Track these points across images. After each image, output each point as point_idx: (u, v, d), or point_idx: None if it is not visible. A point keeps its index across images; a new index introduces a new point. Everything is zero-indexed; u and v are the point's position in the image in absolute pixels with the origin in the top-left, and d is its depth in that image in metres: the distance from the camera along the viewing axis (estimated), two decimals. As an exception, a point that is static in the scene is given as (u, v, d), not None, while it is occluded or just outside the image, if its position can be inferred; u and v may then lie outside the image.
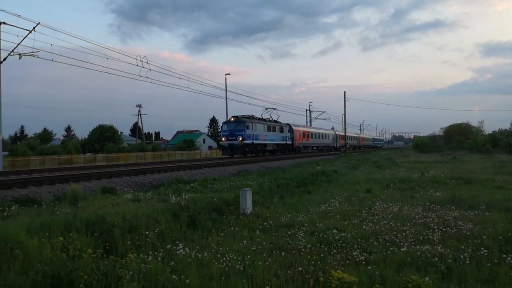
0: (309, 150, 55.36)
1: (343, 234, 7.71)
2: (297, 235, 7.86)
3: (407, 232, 8.00)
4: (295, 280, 5.21)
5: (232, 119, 37.14)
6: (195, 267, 5.40)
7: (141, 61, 29.17)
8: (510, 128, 73.92)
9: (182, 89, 41.26)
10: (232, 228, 8.50)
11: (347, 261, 6.08)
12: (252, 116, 39.54)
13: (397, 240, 7.43)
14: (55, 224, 6.72)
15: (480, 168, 25.46)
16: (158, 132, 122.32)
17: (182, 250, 6.43)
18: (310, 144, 55.51)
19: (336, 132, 71.43)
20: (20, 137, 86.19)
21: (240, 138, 35.33)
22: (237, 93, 63.67)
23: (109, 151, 58.71)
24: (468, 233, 7.93)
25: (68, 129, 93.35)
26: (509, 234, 7.52)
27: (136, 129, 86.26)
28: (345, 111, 58.60)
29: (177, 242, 7.12)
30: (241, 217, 9.76)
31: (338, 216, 9.87)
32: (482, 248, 6.62)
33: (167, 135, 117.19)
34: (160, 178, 17.37)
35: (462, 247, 6.81)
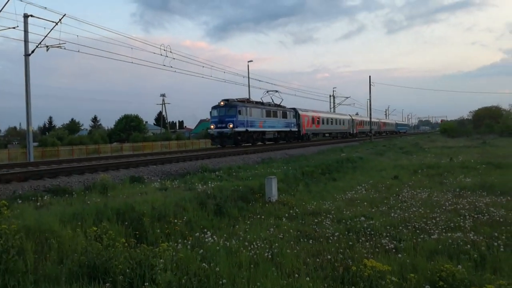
0: (320, 137, 51.40)
1: (371, 222, 7.62)
2: (324, 223, 7.82)
3: (437, 219, 7.84)
4: (324, 268, 5.19)
5: (222, 102, 31.82)
6: (224, 255, 5.45)
7: (164, 50, 29.36)
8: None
9: (205, 77, 41.54)
10: (258, 216, 8.53)
11: (376, 249, 6.01)
12: (247, 99, 35.40)
13: (427, 227, 7.29)
14: (86, 213, 6.90)
15: (511, 153, 24.65)
16: (182, 121, 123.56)
17: (210, 238, 6.50)
18: (321, 131, 50.59)
19: (353, 117, 66.02)
20: (48, 128, 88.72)
21: (231, 125, 30.23)
22: (259, 80, 63.36)
23: (135, 140, 59.79)
24: (501, 219, 7.71)
25: (94, 119, 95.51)
26: (546, 221, 7.26)
27: (160, 118, 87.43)
28: (370, 96, 57.42)
29: (205, 230, 7.20)
30: (266, 205, 9.78)
31: (365, 203, 9.76)
32: (517, 236, 6.42)
33: (190, 124, 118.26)
34: (186, 166, 17.57)
35: (496, 234, 6.61)
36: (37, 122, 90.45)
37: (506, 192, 10.67)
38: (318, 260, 5.51)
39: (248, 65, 50.98)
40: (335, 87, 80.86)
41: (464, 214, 8.26)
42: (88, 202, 8.40)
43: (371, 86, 55.17)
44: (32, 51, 26.18)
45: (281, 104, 41.48)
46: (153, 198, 8.65)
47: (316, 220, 8.07)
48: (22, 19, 24.90)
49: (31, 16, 25.04)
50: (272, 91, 42.48)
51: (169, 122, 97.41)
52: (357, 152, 27.49)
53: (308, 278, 4.62)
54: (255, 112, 33.79)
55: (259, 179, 12.36)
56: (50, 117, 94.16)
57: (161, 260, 4.21)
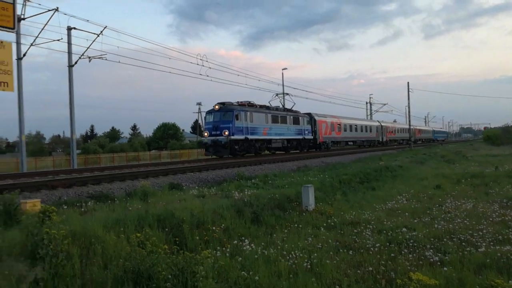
0: (343, 146, 46.59)
1: (414, 233, 7.38)
2: (363, 234, 7.65)
3: (484, 231, 7.50)
4: (366, 280, 5.07)
5: (217, 106, 27.46)
6: (263, 263, 5.44)
7: (201, 59, 29.89)
8: None
9: (240, 86, 41.92)
10: (295, 225, 8.46)
11: (420, 262, 5.81)
12: (249, 102, 30.38)
13: (474, 239, 6.99)
14: (129, 219, 7.08)
15: None
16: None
17: (248, 246, 6.51)
18: (343, 139, 45.36)
19: (382, 124, 59.53)
20: (90, 136, 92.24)
21: (226, 132, 25.93)
22: (293, 88, 63.17)
23: (172, 148, 61.09)
24: (554, 233, 7.27)
25: (134, 127, 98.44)
26: None
27: (196, 126, 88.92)
28: (409, 103, 55.58)
29: (243, 238, 7.22)
30: (304, 213, 9.69)
31: (406, 214, 9.48)
32: None
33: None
34: (222, 174, 17.73)
35: (549, 249, 6.24)
36: (80, 130, 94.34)
37: (559, 203, 10.06)
38: (359, 271, 5.39)
39: (282, 73, 51.10)
40: (371, 94, 79.03)
41: (513, 226, 7.85)
42: (130, 208, 8.62)
43: (410, 92, 53.65)
44: (75, 62, 27.40)
45: (293, 108, 37.27)
46: (192, 205, 8.77)
47: (355, 231, 7.91)
48: (66, 32, 26.12)
49: (74, 28, 26.21)
50: (282, 93, 38.10)
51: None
52: (396, 160, 26.80)
53: (349, 290, 4.53)
54: (258, 117, 29.37)
55: (295, 187, 12.27)
56: (92, 125, 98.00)
57: (202, 267, 4.25)
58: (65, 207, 8.98)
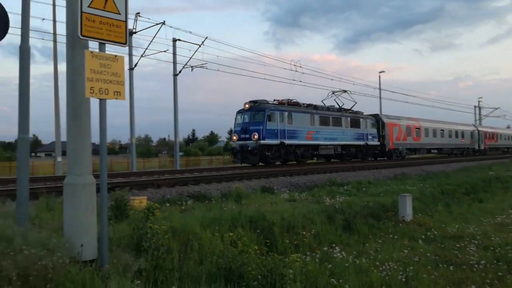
0: (423, 154, 39.77)
1: (528, 252, 6.58)
2: (467, 249, 7.01)
3: None
4: (468, 299, 4.66)
5: (247, 105, 23.76)
6: (353, 272, 5.29)
7: (294, 65, 30.12)
8: None
9: (334, 90, 41.28)
10: (390, 236, 8.08)
11: (535, 285, 5.17)
12: (290, 101, 26.22)
13: None
14: (223, 219, 7.41)
15: None
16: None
17: (338, 254, 6.38)
18: (422, 146, 38.39)
19: (480, 128, 50.84)
20: (191, 139, 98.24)
21: (256, 136, 22.19)
22: (391, 91, 60.13)
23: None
24: None
25: (231, 131, 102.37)
26: None
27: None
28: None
29: (333, 245, 7.11)
30: (400, 224, 9.22)
31: (519, 230, 8.48)
32: None
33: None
34: (314, 179, 17.64)
35: None
36: (183, 134, 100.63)
37: None
38: (460, 289, 4.97)
39: (379, 76, 49.10)
40: (480, 97, 71.12)
41: None
42: (225, 208, 9.02)
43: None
44: (179, 71, 29.48)
45: (354, 109, 32.02)
46: (283, 209, 8.87)
47: (457, 245, 7.29)
48: (171, 43, 28.29)
49: (179, 40, 28.27)
50: (339, 91, 32.11)
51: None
52: (508, 170, 24.09)
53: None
54: (300, 118, 24.93)
55: (391, 196, 11.73)
56: (193, 130, 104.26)
57: (291, 270, 4.30)
58: (168, 204, 9.69)
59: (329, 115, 27.85)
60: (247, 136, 22.80)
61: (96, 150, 5.19)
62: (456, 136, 44.19)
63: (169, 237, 5.27)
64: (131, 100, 26.42)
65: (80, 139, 4.77)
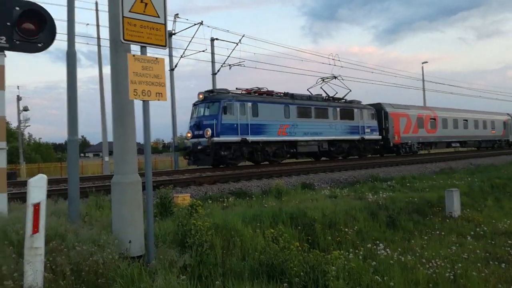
0: (442, 148, 33.98)
1: None
2: (521, 246, 6.68)
3: None
4: (522, 299, 4.44)
5: (201, 95, 20.10)
6: (399, 270, 5.18)
7: (333, 59, 29.66)
8: None
9: (374, 83, 40.38)
10: (437, 232, 7.82)
11: None
12: (259, 89, 22.24)
13: None
14: (264, 215, 7.47)
15: None
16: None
17: (383, 251, 6.26)
18: (439, 139, 32.52)
19: None
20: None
21: (209, 132, 18.60)
22: (435, 82, 57.79)
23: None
24: None
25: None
26: None
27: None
28: None
29: (377, 242, 6.97)
30: (447, 220, 8.91)
31: None
32: None
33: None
34: (355, 175, 17.33)
35: None
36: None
37: None
38: (513, 288, 4.75)
39: (422, 67, 47.45)
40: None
41: None
42: (265, 205, 9.07)
43: None
44: (218, 70, 29.75)
45: (349, 98, 27.50)
46: (324, 205, 8.81)
47: (510, 241, 6.97)
48: (209, 43, 28.65)
49: (217, 39, 28.56)
50: (330, 77, 27.13)
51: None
52: None
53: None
54: (269, 109, 20.75)
55: (437, 191, 11.33)
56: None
57: (333, 267, 4.27)
58: (210, 201, 9.88)
59: (311, 106, 23.44)
60: (200, 132, 19.25)
61: (141, 149, 5.38)
62: (485, 127, 38.17)
63: (212, 233, 5.38)
64: (173, 100, 27.01)
65: (125, 139, 4.96)
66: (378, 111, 28.28)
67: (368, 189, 12.49)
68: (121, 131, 4.96)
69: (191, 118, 20.77)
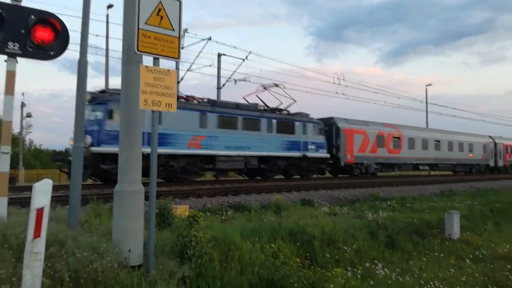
0: (408, 170, 31.17)
1: None
2: (520, 271, 6.65)
3: None
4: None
5: (89, 97, 15.80)
6: (397, 290, 5.16)
7: (337, 78, 29.85)
8: None
9: (377, 103, 40.58)
10: (436, 254, 7.81)
11: None
12: (193, 97, 19.39)
13: None
14: (263, 230, 7.44)
15: None
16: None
17: (381, 270, 6.24)
18: (404, 160, 29.41)
19: (497, 140, 40.16)
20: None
21: (89, 141, 15.16)
22: (439, 105, 57.99)
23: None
24: None
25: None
26: None
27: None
28: None
29: (375, 261, 6.95)
30: (446, 242, 8.88)
31: None
32: None
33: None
34: (355, 193, 17.32)
35: None
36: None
37: None
38: (512, 314, 4.72)
39: (426, 89, 47.58)
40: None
41: None
42: (264, 220, 9.05)
43: None
44: (223, 85, 29.91)
45: (292, 109, 23.98)
46: (323, 222, 8.78)
47: (509, 266, 6.94)
48: (216, 58, 28.89)
49: (224, 55, 28.79)
50: (270, 84, 24.00)
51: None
52: None
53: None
54: (176, 117, 16.59)
55: (437, 213, 11.31)
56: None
57: (332, 286, 4.26)
58: (208, 214, 9.86)
59: (237, 115, 20.02)
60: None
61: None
62: (461, 150, 34.82)
63: (211, 246, 5.37)
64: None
65: (132, 149, 5.02)
66: (329, 126, 25.28)
67: (368, 208, 12.47)
68: (128, 141, 5.02)
69: None
